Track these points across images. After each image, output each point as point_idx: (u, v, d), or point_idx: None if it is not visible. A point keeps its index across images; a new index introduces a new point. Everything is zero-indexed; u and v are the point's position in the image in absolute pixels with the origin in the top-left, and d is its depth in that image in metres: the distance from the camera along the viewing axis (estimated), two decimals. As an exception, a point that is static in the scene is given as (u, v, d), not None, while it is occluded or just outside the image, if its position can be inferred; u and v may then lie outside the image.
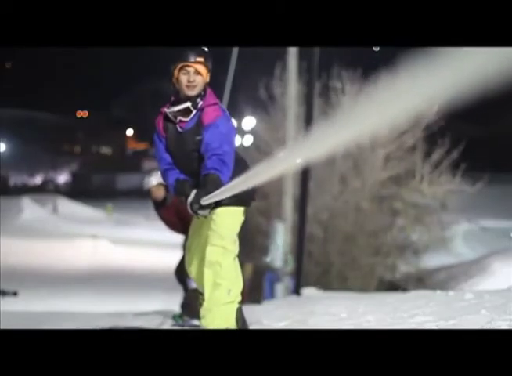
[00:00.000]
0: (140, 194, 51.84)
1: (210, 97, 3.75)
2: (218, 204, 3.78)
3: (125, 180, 57.67)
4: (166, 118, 3.83)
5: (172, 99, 3.81)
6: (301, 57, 13.39)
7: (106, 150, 70.39)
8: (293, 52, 13.22)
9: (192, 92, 3.64)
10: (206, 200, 3.48)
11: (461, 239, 21.14)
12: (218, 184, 3.45)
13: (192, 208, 3.62)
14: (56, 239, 24.42)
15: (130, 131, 72.73)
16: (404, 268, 17.18)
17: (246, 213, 4.02)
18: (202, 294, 3.87)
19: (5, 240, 22.14)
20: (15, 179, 58.78)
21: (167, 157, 3.89)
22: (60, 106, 72.57)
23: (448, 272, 16.87)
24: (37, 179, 62.57)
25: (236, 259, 3.88)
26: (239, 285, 3.82)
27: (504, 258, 16.15)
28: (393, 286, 15.52)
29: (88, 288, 17.18)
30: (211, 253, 3.81)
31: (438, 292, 6.11)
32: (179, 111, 3.72)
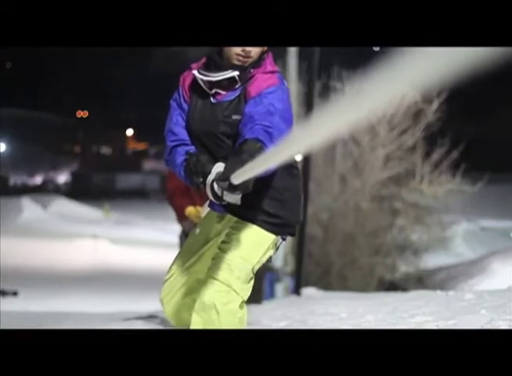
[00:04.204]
0: (140, 194, 52.04)
1: (269, 64, 2.62)
2: (236, 214, 2.63)
3: (125, 180, 57.66)
4: (195, 82, 2.69)
5: (205, 59, 2.67)
6: (301, 57, 13.39)
7: (106, 150, 70.38)
8: (293, 52, 13.22)
9: (242, 64, 2.58)
10: (239, 176, 2.15)
11: (461, 239, 21.14)
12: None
13: (214, 189, 2.35)
14: (56, 239, 24.41)
15: (130, 131, 72.75)
16: (404, 268, 17.18)
17: (275, 247, 2.73)
18: None
19: (5, 240, 22.12)
20: (15, 179, 58.76)
21: (182, 133, 2.70)
22: (60, 106, 72.60)
23: (448, 273, 16.86)
24: (37, 179, 62.56)
25: (244, 308, 2.61)
26: None
27: (504, 258, 16.14)
28: (393, 286, 15.52)
29: (88, 288, 17.17)
30: (209, 290, 2.56)
31: (438, 292, 6.11)
32: (218, 82, 2.60)
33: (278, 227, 2.68)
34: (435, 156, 16.46)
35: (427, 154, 16.50)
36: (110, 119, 72.77)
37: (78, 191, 50.86)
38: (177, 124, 2.72)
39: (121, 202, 44.56)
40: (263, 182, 2.54)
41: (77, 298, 15.17)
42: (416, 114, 16.21)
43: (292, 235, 2.79)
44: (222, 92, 2.63)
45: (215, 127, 2.61)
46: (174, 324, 2.98)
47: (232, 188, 2.25)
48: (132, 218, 34.90)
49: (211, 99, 2.65)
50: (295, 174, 2.72)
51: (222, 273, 2.57)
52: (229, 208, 2.62)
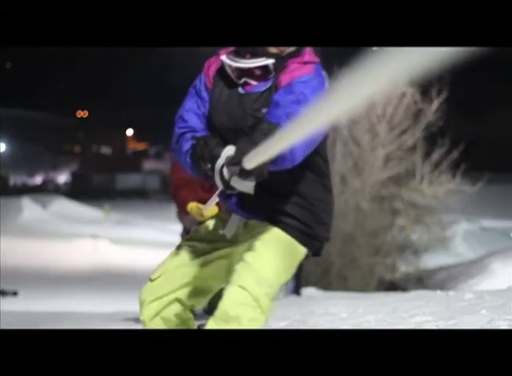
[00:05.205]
0: (140, 194, 52.08)
1: (308, 54, 2.34)
2: (266, 218, 2.33)
3: (125, 180, 57.65)
4: (222, 69, 2.38)
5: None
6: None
7: (106, 150, 70.37)
8: (293, 52, 13.21)
9: (280, 52, 2.30)
10: (252, 159, 1.89)
11: (461, 239, 21.15)
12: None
13: (223, 175, 2.06)
14: (56, 239, 24.41)
15: (130, 131, 72.74)
16: (404, 268, 17.19)
17: (302, 263, 2.45)
18: None
19: (5, 240, 22.13)
20: (15, 179, 58.78)
21: (193, 120, 2.37)
22: (60, 106, 72.68)
23: (448, 273, 16.87)
24: (37, 179, 62.57)
25: None
26: None
27: (504, 258, 16.15)
28: (393, 286, 15.52)
29: (88, 288, 17.17)
30: (233, 300, 2.22)
31: (438, 292, 6.12)
32: (250, 70, 2.29)
33: (309, 238, 2.37)
34: (435, 156, 16.47)
35: (427, 154, 16.51)
36: (110, 119, 72.79)
37: (78, 191, 50.84)
38: (189, 111, 2.39)
39: (121, 202, 44.54)
40: (293, 190, 2.37)
41: (77, 298, 15.16)
42: (416, 114, 16.22)
43: (317, 253, 2.45)
44: (252, 83, 2.30)
45: (242, 121, 2.27)
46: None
47: (245, 173, 1.98)
48: (132, 218, 34.89)
49: (239, 89, 2.32)
50: (328, 186, 2.46)
51: (251, 285, 2.21)
52: (258, 213, 2.35)
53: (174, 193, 5.14)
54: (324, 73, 2.33)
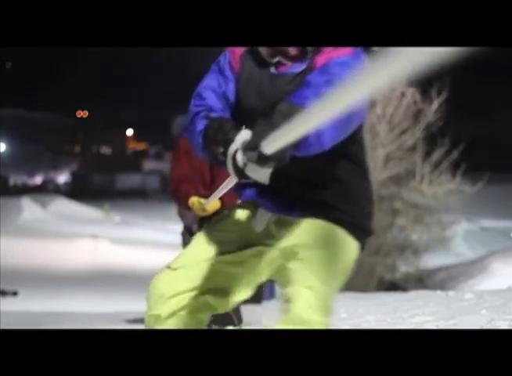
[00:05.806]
0: (140, 194, 52.15)
1: None
2: (312, 213, 2.10)
3: (125, 180, 57.71)
4: (252, 50, 2.22)
5: None
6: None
7: (106, 150, 70.40)
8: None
9: None
10: (272, 144, 1.66)
11: (461, 239, 21.17)
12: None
13: (236, 162, 1.84)
14: (56, 239, 24.42)
15: (130, 131, 72.79)
16: (404, 268, 17.20)
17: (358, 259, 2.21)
18: None
19: (5, 240, 22.14)
20: (15, 179, 58.82)
21: (211, 98, 2.17)
22: (60, 106, 72.76)
23: (448, 273, 16.89)
24: (37, 179, 62.63)
25: None
26: None
27: (504, 258, 16.17)
28: (393, 286, 15.53)
29: (88, 288, 17.18)
30: (305, 302, 2.03)
31: (438, 292, 6.13)
32: (285, 49, 2.13)
33: (358, 230, 2.16)
34: (435, 156, 16.49)
35: (427, 154, 16.53)
36: (110, 119, 72.85)
37: (78, 191, 50.89)
38: (207, 88, 2.18)
39: (121, 202, 44.58)
40: (332, 179, 2.14)
41: (77, 298, 15.18)
42: (416, 114, 16.24)
43: (361, 249, 2.23)
44: (287, 63, 2.12)
45: (274, 103, 2.01)
46: (159, 327, 2.30)
47: (264, 159, 1.76)
48: (132, 218, 34.90)
49: (272, 69, 2.13)
50: (367, 175, 2.27)
51: (317, 285, 2.02)
52: (293, 207, 2.12)
53: (174, 189, 5.06)
54: (364, 56, 2.12)
